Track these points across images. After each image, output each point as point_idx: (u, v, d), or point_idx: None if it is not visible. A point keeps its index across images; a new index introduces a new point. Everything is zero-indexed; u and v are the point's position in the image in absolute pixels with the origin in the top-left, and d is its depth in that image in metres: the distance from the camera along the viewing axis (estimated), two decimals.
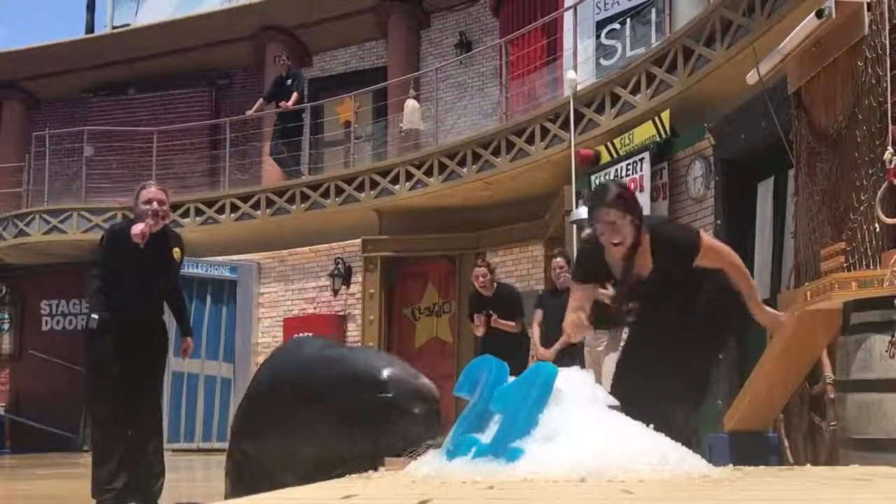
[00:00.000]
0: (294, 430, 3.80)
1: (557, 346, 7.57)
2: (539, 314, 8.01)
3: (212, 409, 13.55)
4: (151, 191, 5.15)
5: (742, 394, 4.99)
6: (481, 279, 8.18)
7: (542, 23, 11.50)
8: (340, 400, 3.72)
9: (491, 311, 8.01)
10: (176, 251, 5.35)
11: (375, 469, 3.29)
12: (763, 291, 7.20)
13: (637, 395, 3.53)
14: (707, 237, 3.93)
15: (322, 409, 3.74)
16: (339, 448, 3.67)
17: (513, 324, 8.01)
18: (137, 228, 4.83)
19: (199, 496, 6.31)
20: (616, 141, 9.31)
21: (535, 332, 7.97)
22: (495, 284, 8.32)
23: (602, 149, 9.51)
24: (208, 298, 13.76)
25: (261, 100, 14.05)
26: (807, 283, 4.66)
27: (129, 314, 5.19)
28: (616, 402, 3.02)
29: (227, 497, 4.15)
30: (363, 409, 3.66)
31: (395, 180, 12.23)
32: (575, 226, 9.48)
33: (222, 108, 16.29)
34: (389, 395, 3.67)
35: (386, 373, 3.77)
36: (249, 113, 14.16)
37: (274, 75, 14.23)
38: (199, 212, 13.68)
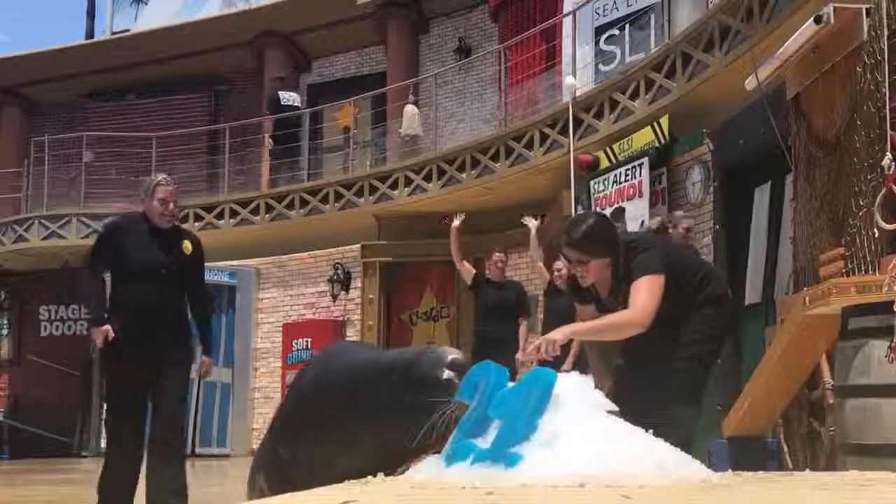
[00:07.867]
0: (331, 436, 3.77)
1: (571, 359, 7.56)
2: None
3: (210, 414, 13.53)
4: (168, 189, 4.87)
5: (741, 399, 4.99)
6: (498, 262, 8.44)
7: (541, 28, 11.51)
8: (372, 400, 3.68)
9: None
10: (186, 245, 4.94)
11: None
12: (755, 296, 7.21)
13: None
14: (646, 280, 3.59)
15: (355, 412, 3.72)
16: (373, 446, 3.64)
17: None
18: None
19: (204, 501, 6.29)
20: (615, 146, 9.32)
21: None
22: (505, 277, 8.56)
23: (601, 154, 9.53)
24: None
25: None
26: (805, 288, 4.66)
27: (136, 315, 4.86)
28: (615, 408, 3.01)
29: (249, 497, 4.13)
30: (392, 400, 3.61)
31: (394, 186, 12.23)
32: None
33: (221, 114, 16.31)
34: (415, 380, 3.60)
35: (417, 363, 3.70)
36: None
37: (271, 84, 14.32)
38: (198, 217, 13.68)
